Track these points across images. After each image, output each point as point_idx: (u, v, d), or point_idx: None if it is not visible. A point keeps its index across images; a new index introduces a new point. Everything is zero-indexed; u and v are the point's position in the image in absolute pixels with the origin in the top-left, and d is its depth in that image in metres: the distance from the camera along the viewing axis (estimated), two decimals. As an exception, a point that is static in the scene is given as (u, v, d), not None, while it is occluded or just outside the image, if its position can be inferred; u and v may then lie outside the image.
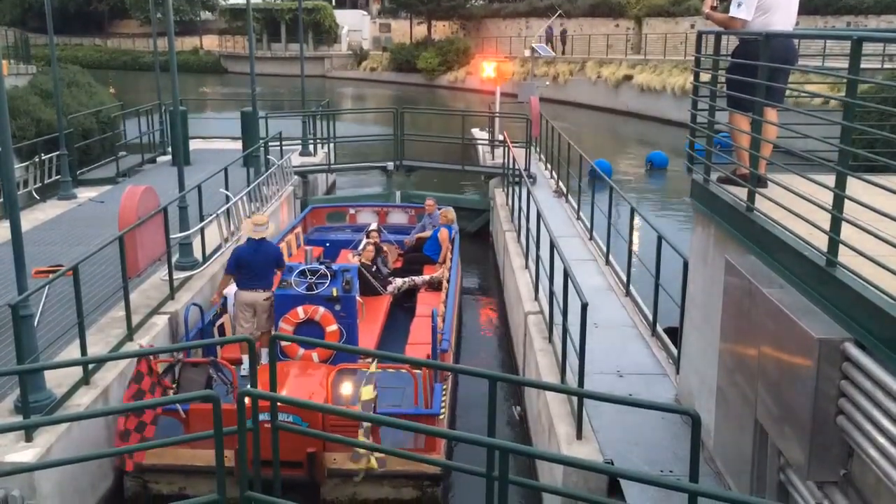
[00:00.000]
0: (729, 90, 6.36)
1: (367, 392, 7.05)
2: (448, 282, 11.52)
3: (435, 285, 12.13)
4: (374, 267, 12.04)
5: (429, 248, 13.29)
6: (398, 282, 12.15)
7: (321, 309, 9.28)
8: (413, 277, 12.41)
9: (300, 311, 9.31)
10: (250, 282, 9.46)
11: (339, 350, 8.21)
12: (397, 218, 15.54)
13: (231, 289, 10.03)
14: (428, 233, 13.65)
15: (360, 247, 12.84)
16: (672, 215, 18.88)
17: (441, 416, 7.86)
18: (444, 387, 8.44)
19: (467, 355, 11.38)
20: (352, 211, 15.70)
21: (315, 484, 7.53)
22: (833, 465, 4.31)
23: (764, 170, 6.03)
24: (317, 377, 8.50)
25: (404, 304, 11.90)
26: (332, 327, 9.26)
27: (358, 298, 9.69)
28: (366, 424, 6.88)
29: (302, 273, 9.63)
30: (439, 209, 14.03)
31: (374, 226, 13.74)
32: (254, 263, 9.46)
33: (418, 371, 7.97)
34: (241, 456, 4.76)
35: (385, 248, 13.02)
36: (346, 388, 8.03)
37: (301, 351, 9.28)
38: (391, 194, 18.02)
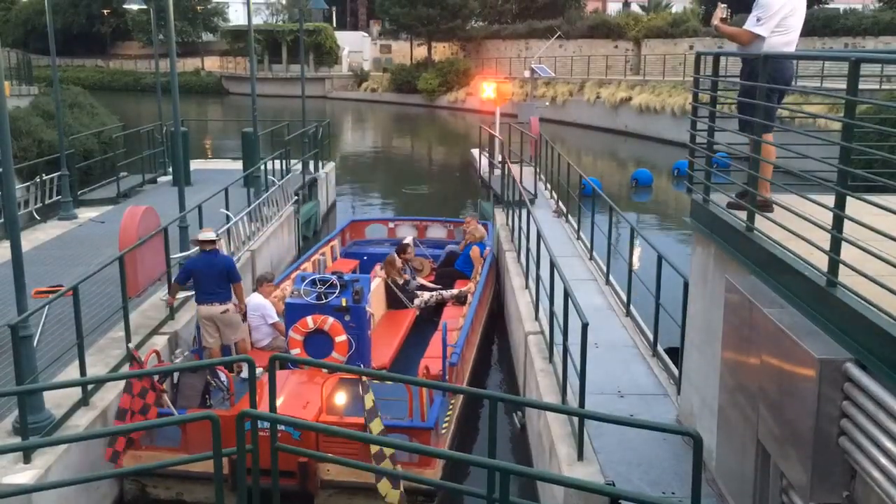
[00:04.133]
0: (747, 114, 6.12)
1: (370, 400, 7.02)
2: (472, 295, 11.58)
3: (462, 300, 12.11)
4: (403, 280, 12.11)
5: (460, 265, 13.45)
6: (425, 296, 12.21)
7: (330, 319, 9.32)
8: (441, 292, 12.45)
9: (309, 321, 9.36)
10: (206, 296, 9.35)
11: (334, 369, 8.21)
12: (436, 232, 15.73)
13: (248, 299, 10.09)
14: (460, 248, 13.86)
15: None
16: (650, 228, 18.92)
17: (443, 431, 7.83)
18: (452, 402, 8.41)
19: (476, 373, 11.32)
20: (391, 225, 15.85)
21: (309, 494, 7.53)
22: (835, 486, 4.29)
23: (768, 192, 6.03)
24: (314, 386, 8.46)
25: (434, 319, 11.79)
26: (342, 337, 9.30)
27: (369, 309, 9.72)
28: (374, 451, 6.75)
29: (313, 283, 9.71)
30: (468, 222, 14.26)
31: (408, 240, 13.75)
32: (206, 275, 9.32)
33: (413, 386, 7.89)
34: (241, 475, 4.75)
35: (419, 263, 13.11)
36: (341, 398, 8.18)
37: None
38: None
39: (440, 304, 12.23)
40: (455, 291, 12.45)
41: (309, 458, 6.86)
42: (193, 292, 9.83)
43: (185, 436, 7.64)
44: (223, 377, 8.38)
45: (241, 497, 4.68)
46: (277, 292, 10.75)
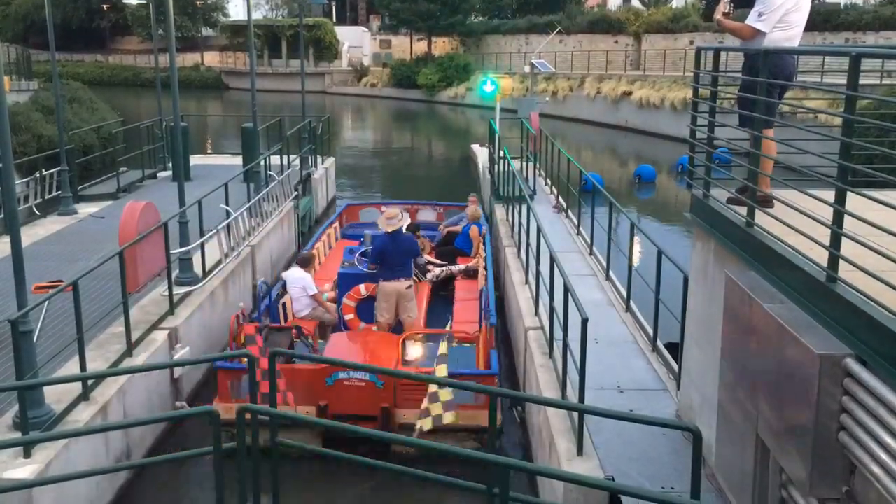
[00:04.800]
0: (747, 109, 6.10)
1: (444, 347, 7.98)
2: (486, 269, 12.48)
3: (470, 274, 12.97)
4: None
5: (460, 243, 14.27)
6: (436, 270, 13.02)
7: None
8: (450, 267, 13.22)
9: (362, 289, 10.59)
10: (391, 272, 10.12)
11: (338, 364, 8.31)
12: (426, 215, 16.63)
13: (290, 272, 11.14)
14: (458, 227, 14.73)
15: None
16: (651, 224, 18.92)
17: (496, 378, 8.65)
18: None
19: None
20: (383, 208, 16.05)
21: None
22: (835, 481, 4.30)
23: (768, 187, 6.02)
24: (386, 344, 9.56)
25: (440, 293, 12.75)
26: None
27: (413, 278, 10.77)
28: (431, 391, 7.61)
29: (363, 254, 10.92)
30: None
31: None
32: (393, 255, 10.12)
33: (471, 342, 9.34)
34: (242, 469, 4.75)
35: (420, 242, 13.59)
36: (416, 350, 9.33)
37: (362, 324, 10.56)
38: None
39: (448, 279, 12.99)
40: (462, 266, 13.24)
41: (309, 451, 6.92)
42: (193, 287, 9.85)
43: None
44: (307, 336, 9.64)
45: (243, 492, 4.69)
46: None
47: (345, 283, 10.77)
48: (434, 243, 14.58)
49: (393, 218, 10.26)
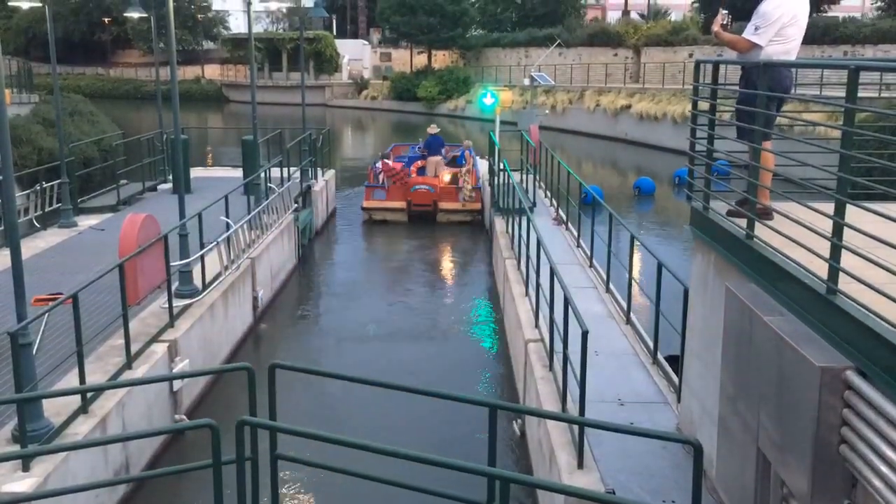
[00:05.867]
0: (745, 121, 6.14)
1: (470, 163, 20.85)
2: (473, 166, 21.77)
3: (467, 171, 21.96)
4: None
5: (459, 161, 22.77)
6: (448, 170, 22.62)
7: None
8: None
9: (418, 163, 22.72)
10: (432, 153, 22.20)
11: (349, 381, 8.27)
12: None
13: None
14: (457, 153, 23.40)
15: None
16: (651, 236, 18.93)
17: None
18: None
19: (467, 381, 11.32)
20: (412, 147, 25.66)
21: (434, 214, 20.91)
22: (836, 495, 4.28)
23: (767, 200, 6.02)
24: (433, 178, 21.63)
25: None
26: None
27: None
28: (466, 189, 21.05)
29: (419, 148, 23.78)
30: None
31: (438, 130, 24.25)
32: (433, 144, 22.34)
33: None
34: (241, 485, 4.73)
35: (440, 161, 22.73)
36: (446, 178, 21.34)
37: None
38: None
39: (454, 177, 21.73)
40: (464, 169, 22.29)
41: (310, 465, 6.89)
42: (193, 300, 9.78)
43: (388, 190, 21.34)
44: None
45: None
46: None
47: (412, 158, 23.28)
48: (446, 161, 22.83)
49: (434, 127, 23.28)
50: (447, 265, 18.42)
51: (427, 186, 21.05)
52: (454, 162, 22.59)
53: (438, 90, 58.40)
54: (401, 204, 21.08)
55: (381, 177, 21.58)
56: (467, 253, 19.14)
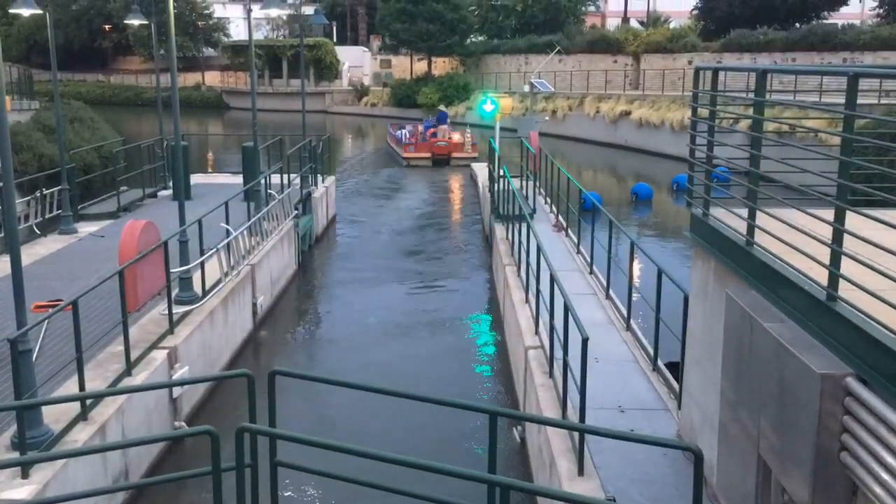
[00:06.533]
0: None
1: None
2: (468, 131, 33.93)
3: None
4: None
5: (442, 117, 33.22)
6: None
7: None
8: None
9: (432, 129, 35.98)
10: (440, 122, 37.17)
11: (349, 387, 8.27)
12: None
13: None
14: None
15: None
16: (650, 243, 18.93)
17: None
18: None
19: (468, 388, 11.31)
20: (426, 121, 38.44)
21: (448, 160, 34.85)
22: (837, 501, 4.27)
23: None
24: (443, 137, 35.76)
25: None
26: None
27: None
28: (468, 143, 35.73)
29: (431, 121, 37.84)
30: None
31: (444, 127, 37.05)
32: (442, 117, 38.31)
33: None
34: (240, 492, 4.72)
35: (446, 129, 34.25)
36: (455, 137, 36.05)
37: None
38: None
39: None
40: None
41: (310, 471, 6.88)
42: (193, 306, 9.76)
43: (417, 146, 35.58)
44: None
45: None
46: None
47: (427, 126, 36.69)
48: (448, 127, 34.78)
49: (442, 105, 45.05)
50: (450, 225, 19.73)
51: (444, 142, 35.31)
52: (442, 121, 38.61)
53: (438, 97, 58.39)
54: (427, 154, 35.02)
55: (409, 137, 36.28)
56: (465, 202, 25.88)
